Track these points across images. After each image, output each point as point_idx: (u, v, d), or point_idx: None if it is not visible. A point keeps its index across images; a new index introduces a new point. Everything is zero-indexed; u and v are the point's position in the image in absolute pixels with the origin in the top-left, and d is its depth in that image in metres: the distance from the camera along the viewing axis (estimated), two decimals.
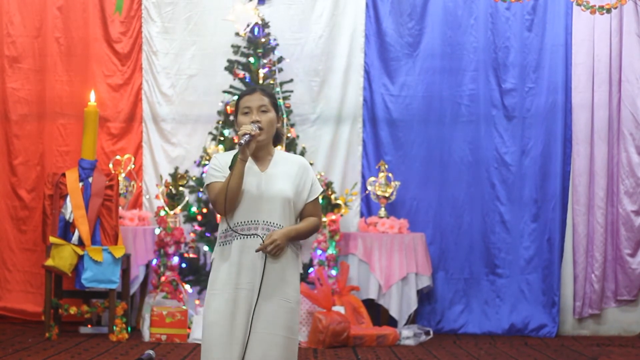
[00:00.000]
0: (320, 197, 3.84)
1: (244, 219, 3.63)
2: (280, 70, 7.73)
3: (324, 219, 7.45)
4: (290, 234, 3.64)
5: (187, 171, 7.67)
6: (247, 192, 3.64)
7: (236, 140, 3.60)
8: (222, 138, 7.52)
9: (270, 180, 3.68)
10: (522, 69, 8.03)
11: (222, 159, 3.70)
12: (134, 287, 7.52)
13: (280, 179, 3.69)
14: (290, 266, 3.67)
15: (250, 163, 3.68)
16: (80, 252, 7.03)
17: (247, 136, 3.57)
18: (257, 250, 3.60)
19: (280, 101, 7.61)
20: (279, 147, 3.89)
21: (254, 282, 3.60)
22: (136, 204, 7.99)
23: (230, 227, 3.64)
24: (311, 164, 7.69)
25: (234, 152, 3.68)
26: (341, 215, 7.58)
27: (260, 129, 3.65)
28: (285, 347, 3.62)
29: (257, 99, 3.71)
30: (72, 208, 7.13)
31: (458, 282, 8.01)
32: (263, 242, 3.60)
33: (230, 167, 3.60)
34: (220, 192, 3.60)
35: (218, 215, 3.77)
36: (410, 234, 7.71)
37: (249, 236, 3.61)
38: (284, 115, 7.58)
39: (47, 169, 7.87)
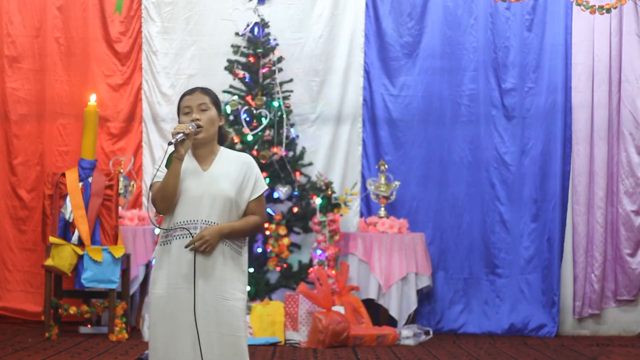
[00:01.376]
0: (264, 195, 3.80)
1: (184, 218, 3.63)
2: (280, 70, 7.73)
3: (324, 219, 7.45)
4: (223, 231, 3.62)
5: None
6: (188, 192, 3.64)
7: (171, 139, 3.61)
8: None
9: (211, 180, 3.67)
10: (522, 69, 8.03)
11: (168, 159, 3.70)
12: (134, 287, 7.52)
13: (222, 178, 3.68)
14: (227, 263, 3.65)
15: (193, 162, 3.69)
16: (80, 252, 7.04)
17: (180, 135, 3.58)
18: (186, 247, 3.58)
19: (280, 101, 7.62)
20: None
21: (190, 281, 3.59)
22: (136, 203, 7.99)
23: (169, 227, 3.64)
24: (311, 164, 7.82)
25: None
26: (341, 215, 7.58)
27: (199, 127, 3.66)
28: (230, 345, 3.60)
29: (196, 97, 3.73)
30: (71, 208, 7.14)
31: (458, 282, 8.01)
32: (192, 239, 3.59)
33: (167, 166, 3.60)
34: (157, 191, 3.62)
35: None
36: (410, 233, 7.71)
37: (187, 236, 3.60)
38: (284, 115, 7.57)
39: (47, 169, 7.86)
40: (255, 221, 3.73)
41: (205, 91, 3.77)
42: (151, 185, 3.69)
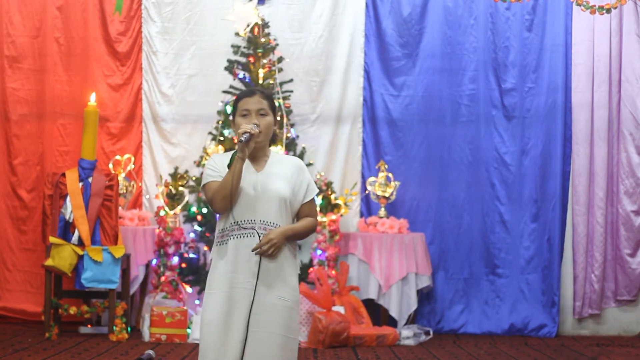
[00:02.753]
0: (316, 198, 3.84)
1: (241, 218, 3.65)
2: (280, 70, 7.73)
3: (324, 219, 7.45)
4: (287, 233, 3.66)
5: (187, 171, 7.67)
6: (244, 192, 3.66)
7: (235, 140, 3.62)
8: (222, 138, 7.52)
9: (266, 180, 3.69)
10: (522, 69, 8.03)
11: (218, 160, 3.72)
12: (134, 287, 7.52)
13: (277, 179, 3.70)
14: (287, 265, 3.69)
15: (247, 163, 3.70)
16: (80, 252, 7.03)
17: (246, 135, 3.60)
18: (253, 250, 3.61)
19: (280, 101, 7.62)
20: (278, 147, 3.92)
21: (251, 281, 3.61)
22: (136, 204, 7.99)
23: (225, 227, 3.66)
24: (311, 164, 7.82)
25: (231, 153, 3.70)
26: (341, 215, 7.58)
27: (259, 130, 3.68)
28: (284, 346, 3.63)
29: (256, 101, 3.73)
30: (72, 208, 7.13)
31: (458, 282, 8.01)
32: (260, 241, 3.61)
33: (229, 166, 3.62)
34: (218, 190, 3.63)
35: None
36: (410, 233, 7.71)
37: (245, 235, 3.62)
38: (284, 113, 7.58)
39: (47, 169, 7.86)
40: (313, 223, 3.78)
41: (265, 95, 3.77)
42: (204, 186, 3.72)
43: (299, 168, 3.78)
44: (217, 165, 3.70)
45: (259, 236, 3.62)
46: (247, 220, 3.64)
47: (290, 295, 3.67)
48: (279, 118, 7.42)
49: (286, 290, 3.66)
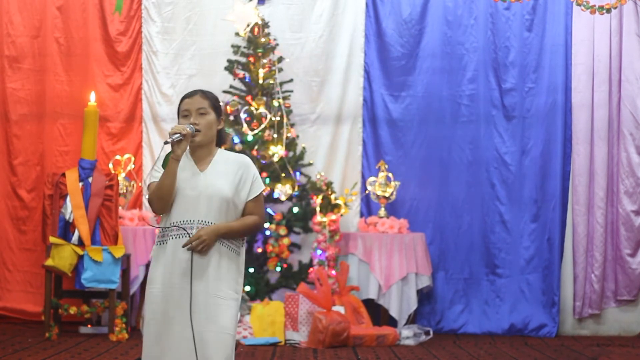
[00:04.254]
0: (262, 195, 3.83)
1: (180, 218, 3.65)
2: (280, 70, 7.73)
3: (324, 219, 7.45)
4: (220, 231, 3.64)
5: None
6: (185, 192, 3.67)
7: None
8: None
9: (208, 180, 3.69)
10: (522, 69, 8.03)
11: (165, 160, 3.72)
12: (134, 287, 7.52)
13: (219, 179, 3.70)
14: (223, 263, 3.67)
15: (190, 163, 3.72)
16: (80, 252, 7.03)
17: (177, 135, 3.63)
18: (183, 246, 3.61)
19: (280, 101, 7.62)
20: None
21: (186, 280, 3.61)
22: (136, 203, 7.99)
23: (165, 227, 3.67)
24: (311, 164, 7.82)
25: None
26: (341, 215, 7.58)
27: (197, 130, 3.69)
28: (223, 344, 3.62)
29: (196, 101, 3.75)
30: (72, 208, 7.14)
31: (458, 282, 8.01)
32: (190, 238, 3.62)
33: (163, 166, 3.63)
34: (154, 191, 3.65)
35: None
36: (410, 234, 7.71)
37: (182, 236, 3.62)
38: (284, 113, 7.58)
39: (47, 169, 7.86)
40: (254, 221, 3.74)
41: (205, 95, 3.79)
42: (148, 186, 3.74)
43: (244, 165, 3.76)
44: (164, 165, 3.69)
45: (189, 236, 3.62)
46: (186, 220, 3.65)
47: (226, 293, 3.65)
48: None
49: (222, 288, 3.64)
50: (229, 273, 3.68)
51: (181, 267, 3.62)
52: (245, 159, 3.82)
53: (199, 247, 3.60)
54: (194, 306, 3.59)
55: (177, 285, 3.63)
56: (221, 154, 3.80)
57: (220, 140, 3.84)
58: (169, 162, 3.63)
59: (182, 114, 3.78)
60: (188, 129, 3.65)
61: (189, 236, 3.61)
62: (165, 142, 3.62)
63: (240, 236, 3.75)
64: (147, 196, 3.75)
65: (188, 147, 3.72)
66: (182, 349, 3.59)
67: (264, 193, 7.36)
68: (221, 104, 3.92)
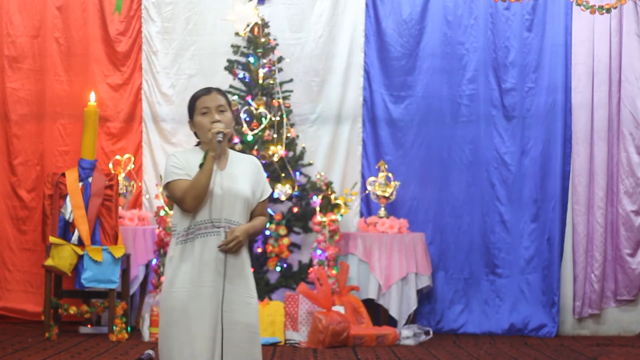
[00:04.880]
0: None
1: (207, 217, 3.65)
2: (280, 70, 7.73)
3: (323, 219, 7.46)
4: (250, 231, 3.70)
5: None
6: (210, 191, 3.66)
7: (210, 137, 3.63)
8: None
9: (230, 180, 3.70)
10: (522, 68, 8.03)
11: (182, 158, 3.73)
12: (134, 287, 7.52)
13: (240, 179, 3.72)
14: (247, 262, 3.72)
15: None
16: (80, 252, 7.03)
17: (221, 134, 3.63)
18: (219, 247, 3.61)
19: (280, 101, 7.62)
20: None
21: (217, 279, 3.61)
22: (136, 203, 7.99)
23: (191, 226, 3.65)
24: (311, 164, 7.83)
25: (190, 150, 3.73)
26: (341, 215, 7.58)
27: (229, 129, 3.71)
28: (254, 342, 3.67)
29: (215, 99, 3.74)
30: (71, 208, 7.14)
31: (458, 282, 8.01)
32: (225, 239, 3.62)
33: (201, 165, 3.62)
34: (189, 189, 3.62)
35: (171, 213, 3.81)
36: (410, 233, 7.71)
37: (211, 234, 3.63)
38: (284, 115, 7.59)
39: (47, 169, 7.86)
40: (265, 222, 3.83)
41: (221, 92, 3.79)
42: (168, 184, 3.69)
43: (257, 167, 3.81)
44: (182, 163, 3.70)
45: (224, 236, 3.63)
46: (213, 219, 3.65)
47: (253, 291, 3.72)
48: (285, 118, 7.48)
49: (249, 287, 3.70)
50: (249, 272, 3.73)
51: (211, 265, 3.62)
52: (257, 161, 3.86)
53: (236, 247, 3.62)
54: (227, 306, 3.60)
55: (207, 284, 3.61)
56: (234, 154, 3.82)
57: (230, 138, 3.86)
58: (207, 161, 3.61)
59: (201, 111, 3.73)
60: (223, 127, 3.66)
61: (225, 235, 3.62)
62: (219, 141, 3.61)
63: (256, 236, 3.85)
64: (171, 196, 3.71)
65: (202, 146, 3.73)
66: (215, 348, 3.58)
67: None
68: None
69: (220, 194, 3.66)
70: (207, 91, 3.77)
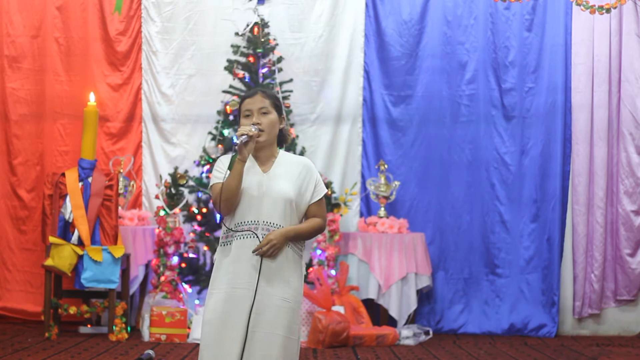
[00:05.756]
0: (324, 198, 3.83)
1: (245, 219, 3.66)
2: (280, 70, 7.73)
3: None
4: (289, 234, 3.66)
5: (186, 171, 7.67)
6: (249, 193, 3.66)
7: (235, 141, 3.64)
8: (221, 138, 7.52)
9: (271, 181, 3.70)
10: (521, 68, 8.03)
11: (225, 161, 3.73)
12: (134, 287, 7.52)
13: (282, 180, 3.71)
14: (290, 266, 3.69)
15: (252, 164, 3.72)
16: (80, 252, 7.03)
17: (244, 137, 3.61)
18: (253, 251, 3.62)
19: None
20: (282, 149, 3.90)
21: (251, 282, 3.61)
22: (136, 203, 7.99)
23: (229, 228, 3.67)
24: None
25: (232, 155, 3.72)
26: (341, 215, 7.58)
27: (261, 130, 3.69)
28: (285, 347, 3.63)
29: (257, 101, 3.74)
30: (71, 208, 7.13)
31: (458, 282, 8.01)
32: (260, 242, 3.61)
33: (229, 168, 3.63)
34: (220, 192, 3.64)
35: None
36: (410, 233, 7.71)
37: (247, 236, 3.63)
38: (284, 113, 7.58)
39: (47, 169, 7.87)
40: (319, 224, 3.77)
41: (266, 94, 3.78)
42: (211, 187, 3.74)
43: (306, 168, 3.77)
44: (223, 167, 3.70)
45: (260, 238, 3.62)
46: (250, 221, 3.65)
47: (292, 296, 3.67)
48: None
49: (287, 291, 3.66)
50: (294, 276, 3.70)
51: (247, 268, 3.63)
52: (308, 161, 3.83)
53: (270, 251, 3.61)
54: (258, 309, 3.59)
55: (242, 287, 3.62)
56: (283, 155, 3.80)
57: (282, 139, 3.84)
58: (235, 164, 3.62)
59: (244, 114, 3.75)
60: (253, 129, 3.64)
61: (258, 238, 3.61)
62: (234, 144, 3.61)
63: (306, 239, 3.78)
64: (211, 197, 3.75)
65: (253, 148, 3.71)
66: (240, 352, 3.58)
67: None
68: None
69: (259, 196, 3.66)
70: (253, 93, 3.78)
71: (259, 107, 3.73)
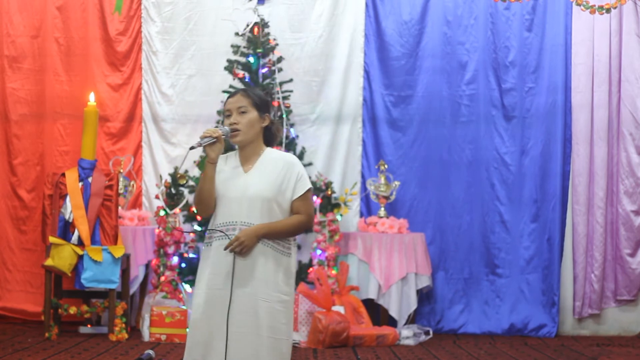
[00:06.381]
0: (310, 193, 3.79)
1: (224, 220, 3.67)
2: (280, 70, 7.73)
3: (323, 219, 7.45)
4: (260, 232, 3.63)
5: (186, 171, 7.66)
6: (230, 194, 3.67)
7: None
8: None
9: (249, 181, 3.70)
10: (521, 69, 8.03)
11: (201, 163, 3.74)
12: (134, 287, 7.52)
13: (261, 179, 3.70)
14: (269, 265, 3.65)
15: (236, 163, 3.72)
16: (80, 252, 7.03)
17: (206, 139, 3.61)
18: (224, 249, 3.62)
19: (280, 101, 7.61)
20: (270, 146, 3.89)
21: (227, 282, 3.62)
22: (136, 203, 7.99)
23: (210, 229, 3.69)
24: (311, 164, 7.81)
25: (228, 155, 3.73)
26: (341, 215, 7.58)
27: (236, 130, 3.68)
28: (271, 348, 3.61)
29: (237, 100, 3.75)
30: (71, 208, 7.13)
31: (458, 282, 8.01)
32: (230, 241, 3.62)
33: (201, 169, 3.64)
34: (195, 195, 3.69)
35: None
36: (410, 233, 7.71)
37: (225, 237, 3.63)
38: (284, 115, 7.59)
39: (47, 169, 7.87)
40: (299, 220, 3.71)
41: (247, 93, 3.78)
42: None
43: (288, 164, 3.74)
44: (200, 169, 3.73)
45: (230, 238, 3.63)
46: (229, 222, 3.65)
47: (272, 296, 3.64)
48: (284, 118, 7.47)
49: (266, 290, 3.63)
50: (276, 275, 3.66)
51: (224, 269, 3.63)
52: (291, 157, 3.81)
53: (238, 249, 3.59)
54: (235, 308, 3.58)
55: (220, 288, 3.63)
56: (268, 153, 3.78)
57: (271, 137, 3.82)
58: (205, 166, 3.62)
59: (225, 114, 3.77)
60: (220, 131, 3.63)
61: (229, 238, 3.61)
62: (191, 148, 3.61)
63: (285, 236, 3.70)
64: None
65: (237, 147, 3.73)
66: (225, 351, 3.59)
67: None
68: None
69: (238, 197, 3.66)
70: (233, 93, 3.80)
71: (237, 107, 3.73)
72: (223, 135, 3.65)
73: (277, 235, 3.67)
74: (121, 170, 7.65)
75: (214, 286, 3.63)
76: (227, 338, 3.57)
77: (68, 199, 7.16)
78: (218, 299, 3.62)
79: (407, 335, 7.24)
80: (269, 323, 3.62)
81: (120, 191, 7.52)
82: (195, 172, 7.69)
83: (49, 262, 7.00)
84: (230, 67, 7.69)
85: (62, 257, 6.99)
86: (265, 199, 3.66)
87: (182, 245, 7.47)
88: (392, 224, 7.68)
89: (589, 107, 7.97)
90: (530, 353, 6.93)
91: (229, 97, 3.79)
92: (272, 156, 3.78)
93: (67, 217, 7.15)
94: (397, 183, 7.80)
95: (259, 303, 3.61)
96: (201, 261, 3.73)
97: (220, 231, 3.63)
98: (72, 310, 7.13)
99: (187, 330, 3.59)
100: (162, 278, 7.33)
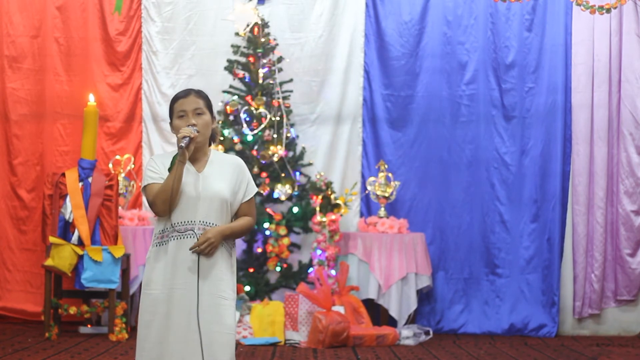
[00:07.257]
0: (255, 197, 3.84)
1: (182, 219, 3.65)
2: (280, 70, 7.73)
3: (324, 219, 7.45)
4: (225, 233, 3.66)
5: None
6: (185, 193, 3.66)
7: (178, 143, 3.64)
8: (221, 138, 7.52)
9: (207, 181, 3.69)
10: (521, 69, 8.03)
11: (159, 161, 3.74)
12: (134, 287, 7.52)
13: (217, 180, 3.71)
14: (223, 264, 3.68)
15: (187, 164, 3.70)
16: (80, 252, 7.03)
17: (186, 139, 3.61)
18: (191, 249, 3.61)
19: (280, 101, 7.62)
20: (213, 147, 3.91)
21: (191, 282, 3.61)
22: (136, 203, 7.99)
23: (166, 228, 3.66)
24: (311, 164, 7.82)
25: (170, 154, 3.73)
26: (341, 215, 7.58)
27: (197, 131, 3.68)
28: (228, 344, 3.65)
29: (191, 101, 3.75)
30: (71, 208, 7.14)
31: (458, 282, 8.01)
32: (198, 240, 3.62)
33: (170, 169, 3.62)
34: (159, 193, 3.63)
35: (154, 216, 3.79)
36: (410, 233, 7.71)
37: (185, 236, 3.62)
38: (284, 113, 7.59)
39: (47, 169, 7.86)
40: (249, 222, 3.78)
41: (199, 94, 3.78)
42: (145, 187, 3.73)
43: (239, 167, 3.77)
44: (159, 166, 3.71)
45: (197, 238, 3.62)
46: (187, 221, 3.64)
47: (228, 293, 3.68)
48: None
49: (223, 288, 3.66)
50: (227, 274, 3.70)
51: (184, 268, 3.62)
52: (240, 160, 3.83)
53: (208, 249, 3.60)
54: (202, 309, 3.59)
55: (179, 287, 3.62)
56: (215, 154, 3.81)
57: (212, 138, 3.84)
58: (177, 166, 3.61)
59: (178, 114, 3.77)
60: (193, 131, 3.64)
61: (197, 238, 3.61)
62: (180, 147, 3.60)
63: (238, 237, 3.80)
64: (146, 199, 3.75)
65: (181, 148, 3.70)
66: (186, 350, 3.59)
67: (264, 193, 7.41)
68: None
69: (196, 196, 3.66)
70: (185, 94, 3.79)
71: (193, 108, 3.73)
72: (193, 135, 3.65)
73: (236, 236, 3.76)
74: (121, 170, 7.65)
75: (175, 285, 3.62)
76: (201, 337, 3.56)
77: (68, 199, 7.17)
78: (177, 299, 3.61)
79: (407, 335, 7.24)
80: (229, 321, 3.67)
81: (121, 191, 7.52)
82: None
83: (49, 262, 7.00)
84: (230, 67, 7.69)
85: (62, 257, 6.99)
86: (223, 199, 3.68)
87: None
88: (392, 224, 7.68)
89: (589, 107, 7.97)
90: (530, 353, 6.93)
91: (180, 98, 3.78)
92: (221, 157, 3.82)
93: (67, 217, 7.15)
94: (397, 183, 7.80)
95: (220, 301, 3.65)
96: (151, 261, 3.69)
97: (187, 229, 3.62)
98: (72, 310, 7.14)
99: (138, 330, 3.55)
100: None
